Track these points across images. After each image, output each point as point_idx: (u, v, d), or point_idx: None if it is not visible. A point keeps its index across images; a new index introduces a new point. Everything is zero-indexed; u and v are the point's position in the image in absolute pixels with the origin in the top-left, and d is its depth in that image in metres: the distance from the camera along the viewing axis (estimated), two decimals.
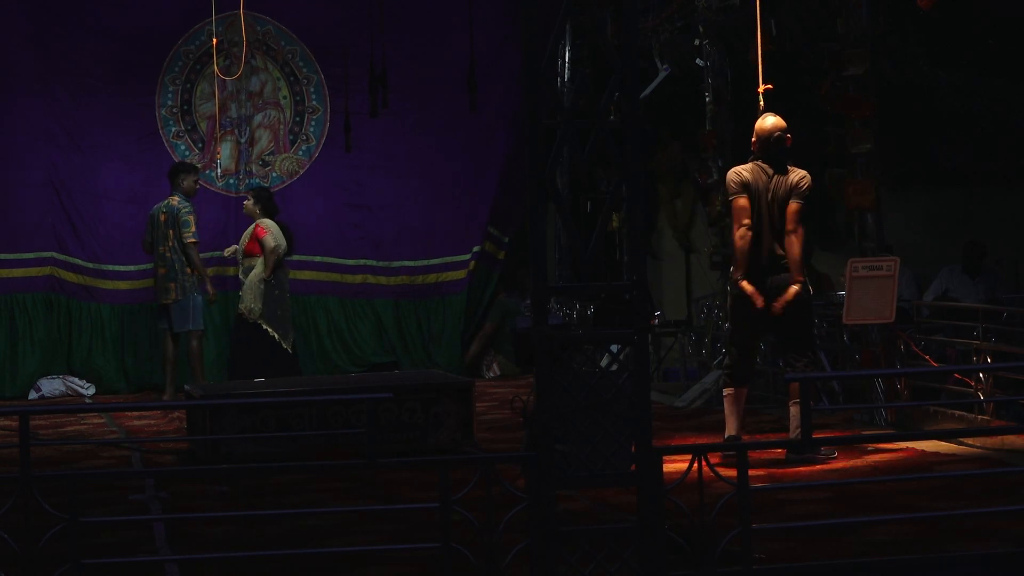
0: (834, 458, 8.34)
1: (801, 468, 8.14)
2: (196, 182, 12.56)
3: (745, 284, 8.57)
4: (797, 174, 8.59)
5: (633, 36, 5.38)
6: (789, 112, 15.18)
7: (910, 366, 9.70)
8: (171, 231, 12.29)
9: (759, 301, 8.54)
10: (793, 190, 8.53)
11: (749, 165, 8.67)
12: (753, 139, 8.73)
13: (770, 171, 8.57)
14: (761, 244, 8.55)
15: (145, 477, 8.25)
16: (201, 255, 12.51)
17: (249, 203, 12.11)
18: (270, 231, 11.90)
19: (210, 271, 12.95)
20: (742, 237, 8.56)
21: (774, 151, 8.62)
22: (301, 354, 13.73)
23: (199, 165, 13.27)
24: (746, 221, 8.55)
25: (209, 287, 12.37)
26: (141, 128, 14.18)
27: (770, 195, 8.53)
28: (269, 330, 11.82)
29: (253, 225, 12.05)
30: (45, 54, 13.94)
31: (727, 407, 8.70)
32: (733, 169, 8.82)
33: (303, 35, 14.44)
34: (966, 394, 9.40)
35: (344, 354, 14.28)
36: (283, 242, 11.97)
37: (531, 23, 5.23)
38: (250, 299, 11.87)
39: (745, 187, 8.60)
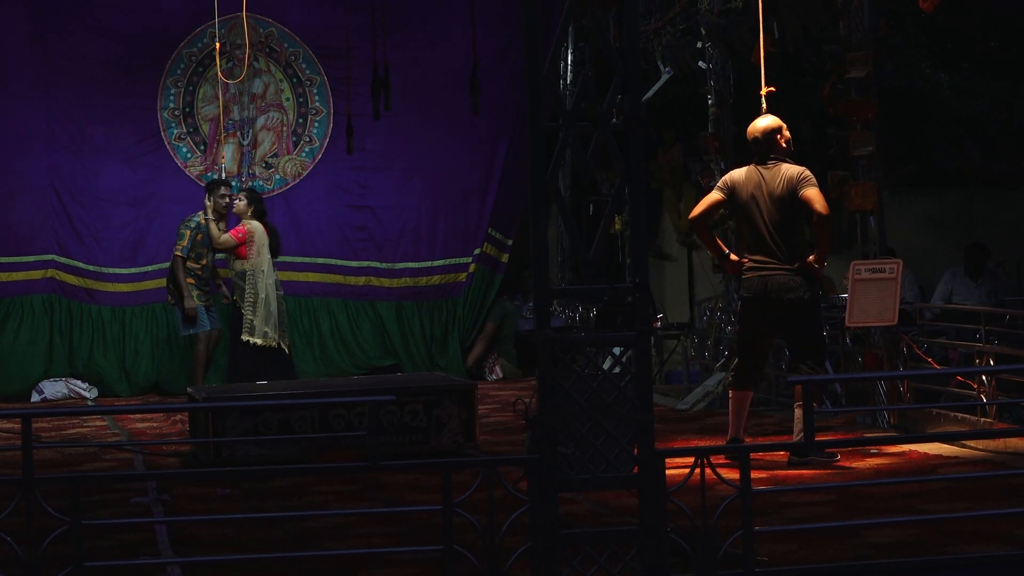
0: (836, 461, 8.33)
1: (804, 471, 8.13)
2: (223, 197, 12.58)
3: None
4: (793, 170, 8.56)
5: (635, 39, 5.38)
6: (791, 114, 15.18)
7: (913, 369, 9.70)
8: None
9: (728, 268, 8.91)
10: (796, 183, 8.49)
11: (745, 168, 8.69)
12: (749, 141, 8.76)
13: (766, 173, 8.58)
14: (759, 246, 8.55)
15: (147, 480, 8.25)
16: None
17: (242, 204, 12.17)
18: (249, 234, 12.04)
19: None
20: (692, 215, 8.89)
21: (765, 152, 8.63)
22: (303, 356, 13.78)
23: (224, 180, 13.27)
24: (702, 207, 8.74)
25: (186, 303, 12.62)
26: (143, 130, 14.17)
27: (766, 195, 8.53)
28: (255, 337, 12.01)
29: (240, 224, 12.18)
30: (46, 56, 13.93)
31: (731, 409, 8.70)
32: (731, 171, 8.89)
33: (305, 37, 14.44)
34: (969, 396, 9.40)
35: (346, 356, 14.28)
36: (226, 245, 12.22)
37: (532, 25, 5.23)
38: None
39: (730, 189, 8.66)
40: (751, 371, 8.71)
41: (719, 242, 9.04)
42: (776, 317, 8.57)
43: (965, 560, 5.62)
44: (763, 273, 8.54)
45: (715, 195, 8.75)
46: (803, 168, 8.60)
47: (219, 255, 12.71)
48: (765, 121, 8.68)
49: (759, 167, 8.61)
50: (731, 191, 8.65)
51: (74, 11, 13.97)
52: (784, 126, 8.70)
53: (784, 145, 8.65)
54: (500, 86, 14.11)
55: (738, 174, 8.68)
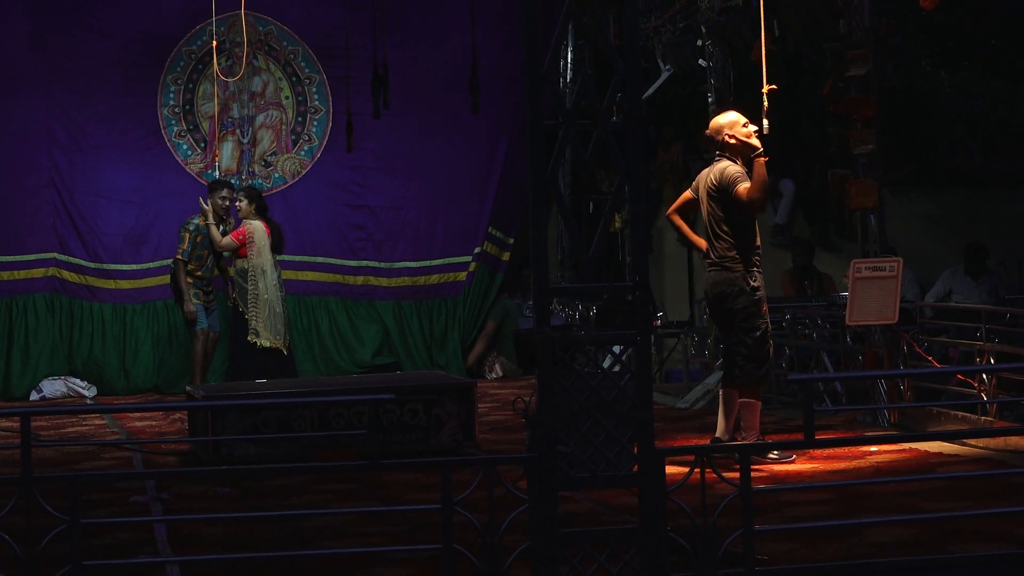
0: (791, 461, 8.27)
1: (801, 470, 8.12)
2: (224, 199, 12.59)
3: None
4: (721, 167, 8.47)
5: (635, 37, 5.37)
6: (792, 113, 15.15)
7: (913, 367, 9.69)
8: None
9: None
10: (716, 183, 8.42)
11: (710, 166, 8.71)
12: None
13: (709, 170, 8.57)
14: (706, 240, 8.59)
15: (146, 478, 8.24)
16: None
17: (243, 204, 12.21)
18: (249, 235, 12.07)
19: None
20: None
21: (712, 149, 8.63)
22: (302, 355, 13.77)
23: (226, 180, 13.28)
24: (676, 202, 8.83)
25: (185, 307, 12.71)
26: (143, 128, 14.18)
27: (704, 192, 8.54)
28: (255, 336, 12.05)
29: (241, 225, 12.22)
30: (46, 54, 13.93)
31: (719, 407, 8.64)
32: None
33: (305, 35, 14.43)
34: (969, 395, 9.39)
35: (346, 355, 14.27)
36: (228, 247, 12.31)
37: (532, 24, 5.22)
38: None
39: (695, 186, 8.68)
40: (729, 368, 8.64)
41: (687, 229, 8.79)
42: (718, 312, 8.59)
43: (965, 559, 5.62)
44: (707, 269, 8.59)
45: (686, 192, 8.81)
46: (727, 164, 8.43)
47: (225, 253, 12.73)
48: (715, 119, 8.71)
49: (711, 164, 8.62)
50: (695, 188, 8.67)
51: (74, 11, 13.97)
52: (736, 122, 8.51)
53: (731, 141, 8.48)
54: (500, 85, 14.09)
55: (702, 172, 8.70)
